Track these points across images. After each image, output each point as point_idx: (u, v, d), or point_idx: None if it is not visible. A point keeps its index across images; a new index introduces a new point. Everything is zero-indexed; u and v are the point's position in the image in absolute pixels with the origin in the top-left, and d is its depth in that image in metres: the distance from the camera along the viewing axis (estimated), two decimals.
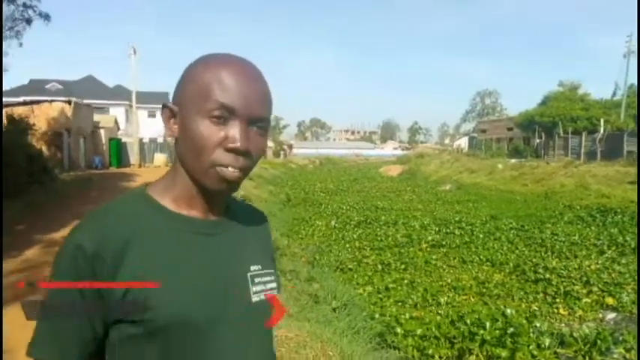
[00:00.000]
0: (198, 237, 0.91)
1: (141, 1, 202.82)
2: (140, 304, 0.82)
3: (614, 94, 36.93)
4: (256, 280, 0.95)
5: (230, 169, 0.86)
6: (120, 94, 42.29)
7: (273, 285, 0.99)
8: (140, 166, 29.27)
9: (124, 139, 31.41)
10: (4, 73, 17.41)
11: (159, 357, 0.85)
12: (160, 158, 31.71)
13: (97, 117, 29.46)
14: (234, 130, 0.85)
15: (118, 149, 29.46)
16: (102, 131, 29.08)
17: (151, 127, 42.75)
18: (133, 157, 30.14)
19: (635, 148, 21.62)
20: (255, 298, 0.93)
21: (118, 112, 39.10)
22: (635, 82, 34.49)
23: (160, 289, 0.84)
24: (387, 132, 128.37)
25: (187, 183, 0.91)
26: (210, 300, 0.88)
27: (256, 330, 0.94)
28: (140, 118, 37.02)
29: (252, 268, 0.95)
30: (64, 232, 8.37)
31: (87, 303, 0.83)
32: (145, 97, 37.56)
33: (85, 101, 30.03)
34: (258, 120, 0.88)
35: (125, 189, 14.67)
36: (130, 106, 33.20)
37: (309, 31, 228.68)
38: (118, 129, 34.35)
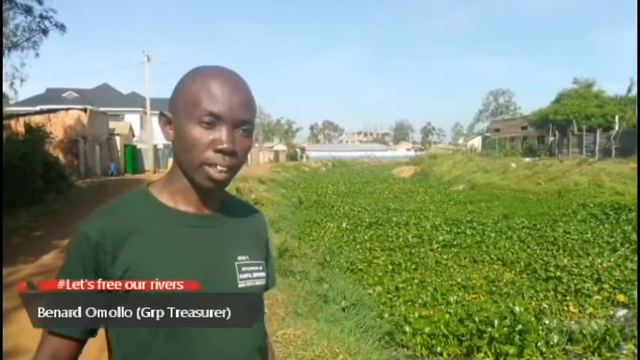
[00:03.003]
0: (191, 229, 1.04)
1: (154, 9, 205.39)
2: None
3: (630, 90, 36.37)
4: (243, 269, 1.06)
5: (218, 167, 0.99)
6: (134, 101, 42.74)
7: (261, 274, 1.09)
8: (155, 172, 29.60)
9: (138, 146, 31.83)
10: (22, 83, 17.90)
11: (149, 337, 0.96)
12: None
13: (112, 124, 29.91)
14: (221, 134, 0.98)
15: (133, 156, 29.86)
16: (117, 138, 29.52)
17: None
18: (148, 163, 30.53)
19: None
20: (241, 285, 1.04)
21: (132, 119, 39.56)
22: None
23: (151, 275, 0.96)
24: (400, 133, 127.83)
25: (183, 181, 1.04)
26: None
27: None
28: (154, 124, 37.43)
29: (240, 258, 1.06)
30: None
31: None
32: (159, 104, 37.76)
33: (101, 109, 30.51)
34: (242, 123, 1.00)
35: None
36: (145, 112, 33.64)
37: (321, 34, 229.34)
38: (133, 136, 34.80)
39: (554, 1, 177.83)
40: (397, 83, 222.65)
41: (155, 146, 32.45)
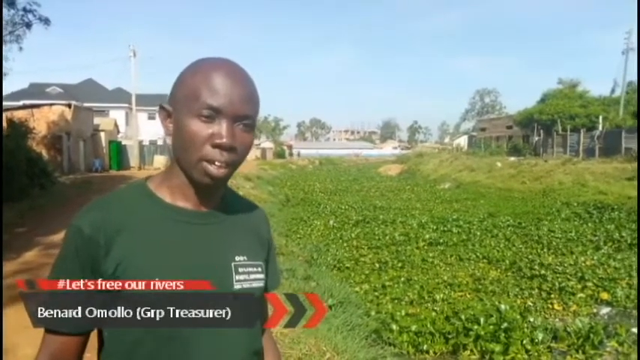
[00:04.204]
0: (188, 226, 1.00)
1: (141, 4, 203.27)
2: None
3: (613, 91, 36.99)
4: (240, 269, 1.02)
5: (217, 163, 0.95)
6: (120, 96, 42.37)
7: (259, 276, 1.05)
8: (140, 168, 29.35)
9: (123, 142, 31.49)
10: (4, 77, 17.56)
11: (140, 337, 0.94)
12: (160, 160, 31.79)
13: (96, 120, 29.54)
14: (220, 128, 0.94)
15: (118, 152, 29.53)
16: (102, 134, 29.17)
17: (150, 129, 42.89)
18: (133, 159, 30.22)
19: (633, 145, 21.69)
20: (237, 286, 1.00)
21: (118, 114, 39.15)
22: (634, 78, 34.65)
23: (144, 271, 0.94)
24: (387, 131, 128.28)
25: (181, 177, 1.01)
26: None
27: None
28: (140, 120, 37.14)
29: (237, 258, 1.02)
30: (63, 234, 8.47)
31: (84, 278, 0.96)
32: (145, 100, 37.62)
33: (85, 104, 30.16)
34: (243, 118, 0.96)
35: None
36: (130, 108, 33.31)
37: (309, 32, 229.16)
38: (118, 132, 34.42)
39: (540, 3, 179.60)
40: (384, 82, 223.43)
41: (141, 142, 32.17)
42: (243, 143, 0.98)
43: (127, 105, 39.04)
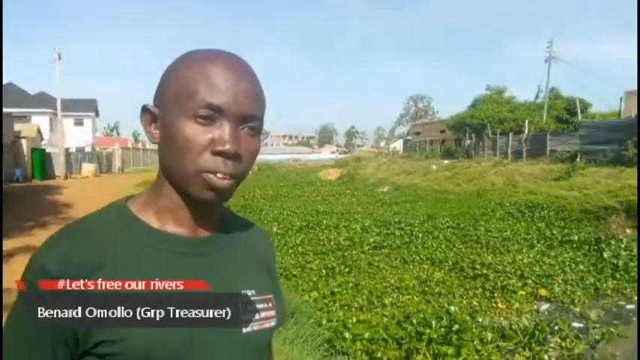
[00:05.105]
0: (182, 257, 0.81)
1: (66, 2, 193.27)
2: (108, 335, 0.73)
3: (537, 96, 39.16)
4: (249, 307, 0.83)
5: (219, 175, 0.77)
6: (43, 101, 39.91)
7: (270, 313, 0.87)
8: (66, 177, 27.76)
9: (48, 149, 29.60)
10: None
11: None
12: (88, 168, 30.31)
13: (17, 126, 27.59)
14: (222, 131, 0.77)
15: (42, 160, 27.69)
16: (23, 141, 27.25)
17: (77, 135, 40.84)
18: (59, 168, 28.51)
19: (558, 147, 23.01)
20: (247, 329, 0.82)
21: (41, 120, 36.84)
22: (556, 85, 37.04)
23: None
24: (325, 136, 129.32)
25: (172, 194, 0.83)
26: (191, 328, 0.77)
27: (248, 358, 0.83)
28: (66, 126, 35.18)
29: (245, 292, 0.84)
30: None
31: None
32: (70, 105, 35.77)
33: (5, 110, 28.08)
34: (249, 119, 0.79)
35: (51, 203, 13.75)
36: (55, 114, 31.43)
37: (245, 33, 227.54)
38: (42, 139, 32.32)
39: (469, 11, 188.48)
40: (321, 87, 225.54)
41: (67, 150, 30.41)
42: (250, 150, 0.80)
43: (51, 110, 36.81)
